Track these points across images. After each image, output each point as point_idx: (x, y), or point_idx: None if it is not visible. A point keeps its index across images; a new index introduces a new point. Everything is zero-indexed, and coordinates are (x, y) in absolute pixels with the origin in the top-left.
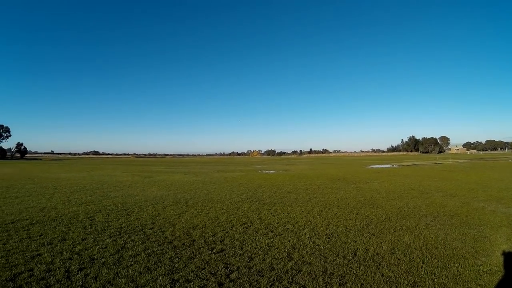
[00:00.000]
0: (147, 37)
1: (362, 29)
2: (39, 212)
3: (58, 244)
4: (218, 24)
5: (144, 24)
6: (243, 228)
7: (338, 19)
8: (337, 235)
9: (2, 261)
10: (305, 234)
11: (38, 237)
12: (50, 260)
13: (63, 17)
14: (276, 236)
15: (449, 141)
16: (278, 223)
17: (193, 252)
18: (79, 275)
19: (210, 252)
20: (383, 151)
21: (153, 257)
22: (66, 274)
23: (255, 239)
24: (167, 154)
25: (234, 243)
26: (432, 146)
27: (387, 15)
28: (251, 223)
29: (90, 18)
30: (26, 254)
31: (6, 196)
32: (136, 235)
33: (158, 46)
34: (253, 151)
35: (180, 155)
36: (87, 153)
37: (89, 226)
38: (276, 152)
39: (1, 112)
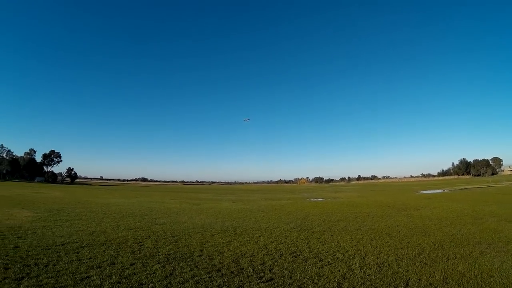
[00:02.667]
0: (192, 74)
1: (411, 58)
2: (89, 236)
3: (107, 268)
4: (264, 58)
5: (191, 62)
6: (292, 257)
7: (388, 49)
8: (388, 265)
9: (52, 282)
10: (355, 263)
11: (88, 260)
12: (99, 283)
13: (117, 60)
14: (326, 265)
15: (501, 162)
16: (327, 252)
17: (241, 281)
18: None
19: (258, 281)
20: (434, 176)
21: (201, 285)
22: None
23: (304, 268)
24: (215, 182)
25: (283, 272)
26: (484, 168)
27: (434, 39)
28: (300, 252)
29: (131, 64)
30: (76, 276)
31: (57, 219)
32: (185, 262)
33: (202, 79)
34: (301, 179)
35: (228, 182)
36: (136, 180)
37: (138, 252)
38: (324, 179)
39: (54, 138)
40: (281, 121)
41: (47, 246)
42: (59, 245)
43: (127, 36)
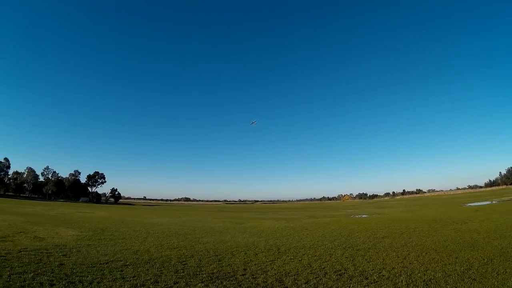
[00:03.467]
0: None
1: (455, 66)
2: (133, 255)
3: (151, 286)
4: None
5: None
6: (336, 275)
7: (428, 58)
8: (436, 281)
9: None
10: (402, 281)
11: (131, 278)
12: None
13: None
14: (371, 283)
15: None
16: (373, 269)
17: None
18: None
19: None
20: (481, 187)
21: None
22: None
23: (349, 287)
24: (257, 200)
25: None
26: None
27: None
28: (345, 270)
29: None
30: None
31: (101, 237)
32: (228, 280)
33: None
34: (344, 195)
35: (270, 201)
36: (179, 199)
37: (181, 270)
38: (367, 195)
39: (98, 160)
40: (324, 138)
41: (91, 264)
42: (103, 263)
43: (172, 56)
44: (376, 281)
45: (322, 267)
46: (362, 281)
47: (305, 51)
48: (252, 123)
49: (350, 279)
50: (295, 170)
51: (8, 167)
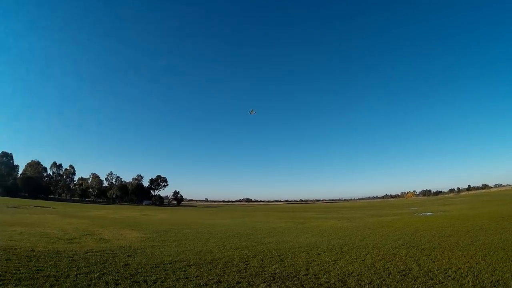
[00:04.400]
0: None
1: None
2: (196, 255)
3: (213, 286)
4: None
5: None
6: (400, 275)
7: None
8: (504, 282)
9: None
10: (468, 281)
11: (194, 278)
12: None
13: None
14: (437, 284)
15: None
16: (438, 270)
17: None
18: None
19: None
20: None
21: None
22: None
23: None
24: (319, 200)
25: None
26: None
27: None
28: (409, 270)
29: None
30: None
31: (164, 239)
32: (290, 281)
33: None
34: (408, 193)
35: (332, 200)
36: (240, 200)
37: (244, 270)
38: (431, 191)
39: (161, 164)
40: (386, 135)
41: (155, 264)
42: (167, 264)
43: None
44: (442, 282)
45: (386, 267)
46: (427, 282)
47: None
48: (251, 112)
49: (415, 280)
50: (356, 168)
51: (74, 173)
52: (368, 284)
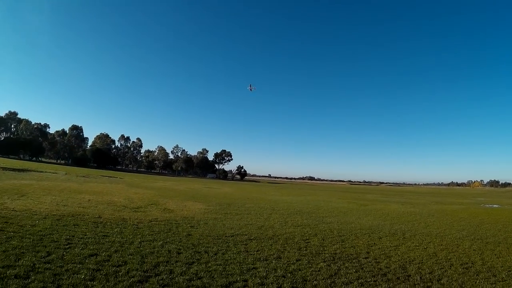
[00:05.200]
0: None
1: None
2: (257, 230)
3: (273, 261)
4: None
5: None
6: (463, 268)
7: None
8: None
9: (220, 269)
10: None
11: (255, 252)
12: (264, 274)
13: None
14: (499, 281)
15: None
16: (502, 266)
17: None
18: None
19: None
20: None
21: (366, 287)
22: None
23: (475, 282)
24: (382, 182)
25: (452, 284)
26: None
27: None
28: (472, 263)
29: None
30: (243, 266)
31: (227, 212)
32: (350, 262)
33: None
34: (474, 182)
35: (396, 183)
36: (303, 178)
37: (304, 248)
38: (500, 183)
39: (226, 139)
40: (454, 120)
41: (217, 236)
42: (228, 236)
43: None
44: (505, 280)
45: (448, 257)
46: (490, 278)
47: None
48: (250, 88)
49: (477, 274)
50: (422, 153)
51: (141, 146)
52: (429, 273)
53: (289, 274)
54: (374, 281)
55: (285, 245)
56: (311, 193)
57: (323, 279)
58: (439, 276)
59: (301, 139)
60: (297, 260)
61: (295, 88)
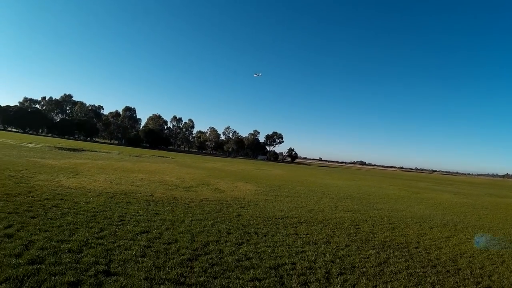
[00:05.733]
0: None
1: None
2: (307, 213)
3: (322, 246)
4: None
5: None
6: None
7: None
8: None
9: (268, 251)
10: None
11: (304, 236)
12: (313, 258)
13: None
14: None
15: None
16: None
17: (456, 282)
18: (338, 279)
19: (475, 286)
20: None
21: (414, 278)
22: (326, 275)
23: None
24: (435, 170)
25: (503, 282)
26: None
27: None
28: None
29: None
30: (292, 249)
31: (277, 194)
32: (400, 251)
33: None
34: None
35: (449, 172)
36: (354, 163)
37: (354, 234)
38: None
39: (277, 121)
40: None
41: (267, 218)
42: (278, 218)
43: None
44: None
45: (500, 253)
46: None
47: None
48: (256, 74)
49: None
50: (477, 142)
51: (192, 127)
52: (480, 269)
53: (337, 260)
54: (424, 272)
55: (335, 230)
56: (361, 178)
57: (372, 266)
58: (490, 272)
59: (353, 123)
60: (346, 246)
61: (347, 73)
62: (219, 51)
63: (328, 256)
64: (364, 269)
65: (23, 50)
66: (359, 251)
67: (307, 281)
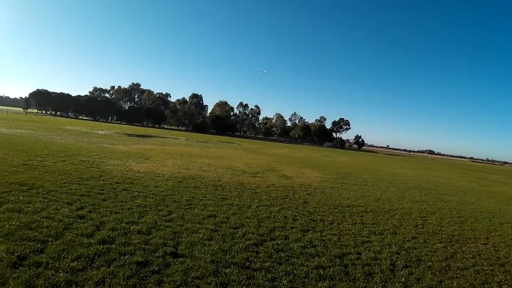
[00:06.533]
0: None
1: None
2: (374, 202)
3: (389, 236)
4: None
5: None
6: None
7: None
8: None
9: (334, 239)
10: None
11: (370, 225)
12: (378, 249)
13: None
14: None
15: None
16: None
17: None
18: (403, 271)
19: None
20: None
21: (481, 276)
22: (391, 267)
23: None
24: (507, 162)
25: None
26: None
27: None
28: None
29: None
30: (357, 238)
31: (344, 182)
32: (467, 247)
33: None
34: None
35: None
36: (422, 151)
37: (421, 226)
38: None
39: (344, 107)
40: None
41: (333, 205)
42: (344, 207)
43: None
44: None
45: None
46: None
47: None
48: (261, 71)
49: None
50: None
51: (259, 113)
52: None
53: (403, 252)
54: (491, 270)
55: (401, 221)
56: (430, 168)
57: (438, 261)
58: None
59: (423, 110)
60: (412, 238)
61: (417, 58)
62: (284, 34)
63: (393, 247)
64: (430, 263)
65: (90, 44)
66: (426, 244)
67: (372, 272)
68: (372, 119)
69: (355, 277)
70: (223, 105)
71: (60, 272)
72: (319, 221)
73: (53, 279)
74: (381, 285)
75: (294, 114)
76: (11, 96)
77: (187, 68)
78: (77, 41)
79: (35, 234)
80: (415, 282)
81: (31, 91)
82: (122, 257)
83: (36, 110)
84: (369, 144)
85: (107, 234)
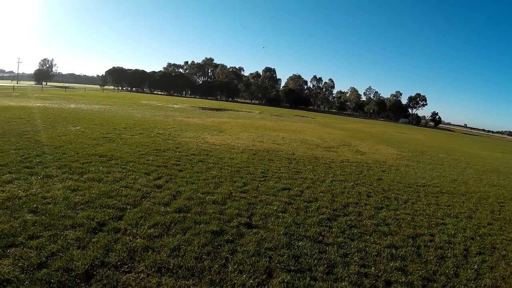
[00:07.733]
0: None
1: None
2: (450, 183)
3: (464, 220)
4: None
5: None
6: None
7: None
8: None
9: (408, 218)
10: None
11: (445, 207)
12: (452, 232)
13: None
14: None
15: None
16: None
17: None
18: (476, 258)
19: None
20: None
21: None
22: (464, 252)
23: None
24: None
25: None
26: None
27: None
28: None
29: None
30: (431, 220)
31: (419, 160)
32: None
33: None
34: None
35: None
36: (501, 132)
37: (498, 212)
38: None
39: (421, 81)
40: None
41: (408, 184)
42: (419, 186)
43: None
44: None
45: None
46: None
47: None
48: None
49: None
50: None
51: (333, 87)
52: None
53: (478, 237)
54: None
55: (478, 205)
56: (509, 151)
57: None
58: None
59: (503, 87)
60: (488, 224)
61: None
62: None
63: (468, 232)
64: (504, 252)
65: (164, 21)
66: (502, 232)
67: (444, 255)
68: (450, 96)
69: (427, 260)
70: (296, 79)
71: (137, 238)
72: (393, 199)
73: (130, 244)
74: (453, 271)
75: (369, 88)
76: (89, 75)
77: (259, 43)
78: (151, 17)
79: (114, 202)
80: (488, 270)
81: (107, 69)
82: (198, 225)
83: (112, 87)
84: (446, 121)
85: (183, 203)
